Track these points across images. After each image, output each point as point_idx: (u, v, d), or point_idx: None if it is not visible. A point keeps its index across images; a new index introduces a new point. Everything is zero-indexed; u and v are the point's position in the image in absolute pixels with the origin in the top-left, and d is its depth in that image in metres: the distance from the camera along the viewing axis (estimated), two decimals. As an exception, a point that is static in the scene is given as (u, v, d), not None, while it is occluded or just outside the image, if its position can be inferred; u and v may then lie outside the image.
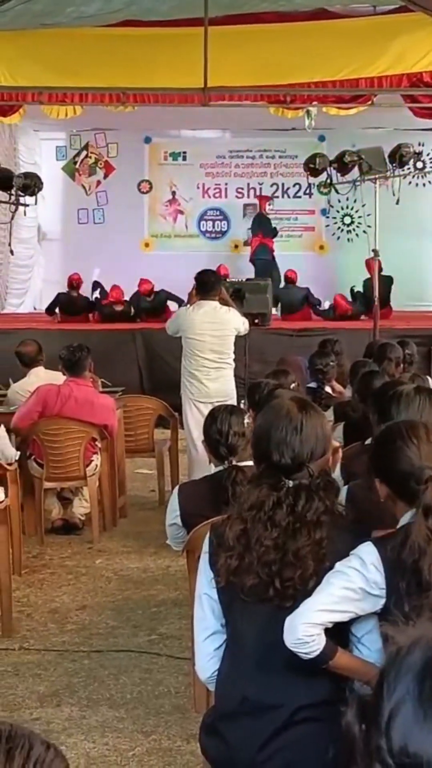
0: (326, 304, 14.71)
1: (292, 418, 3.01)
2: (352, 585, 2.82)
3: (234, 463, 4.51)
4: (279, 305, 14.16)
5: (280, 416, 3.03)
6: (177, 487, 4.90)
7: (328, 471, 3.16)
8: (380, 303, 11.82)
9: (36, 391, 7.77)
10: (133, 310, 14.19)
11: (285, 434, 2.98)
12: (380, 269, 11.83)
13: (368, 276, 13.22)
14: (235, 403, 8.27)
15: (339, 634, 2.86)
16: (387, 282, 13.82)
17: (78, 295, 14.80)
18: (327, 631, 2.80)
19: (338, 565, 2.86)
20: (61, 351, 8.03)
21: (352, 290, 14.93)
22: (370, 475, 3.23)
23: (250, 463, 3.35)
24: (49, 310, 14.83)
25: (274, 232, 15.87)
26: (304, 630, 2.77)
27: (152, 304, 14.11)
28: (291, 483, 2.98)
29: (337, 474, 4.62)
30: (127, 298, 14.46)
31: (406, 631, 1.26)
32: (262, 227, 15.79)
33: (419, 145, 13.99)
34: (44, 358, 8.45)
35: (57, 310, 14.63)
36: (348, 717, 1.21)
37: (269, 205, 16.16)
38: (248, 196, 17.08)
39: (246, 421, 4.76)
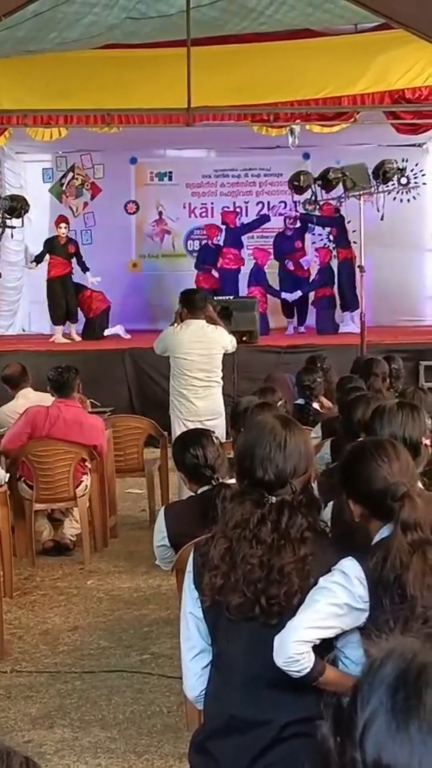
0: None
1: (276, 434, 3.04)
2: (337, 601, 2.84)
3: (220, 480, 4.55)
4: None
5: (263, 433, 3.06)
6: (162, 509, 4.93)
7: (310, 488, 3.19)
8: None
9: (25, 412, 7.79)
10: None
11: (269, 450, 3.01)
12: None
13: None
14: (224, 421, 8.32)
15: (323, 649, 2.88)
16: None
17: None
18: (313, 647, 2.82)
19: (322, 581, 2.87)
20: (49, 372, 8.05)
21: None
22: (341, 495, 3.25)
23: (233, 480, 3.38)
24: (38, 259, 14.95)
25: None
26: (295, 648, 2.78)
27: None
28: (274, 499, 3.00)
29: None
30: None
31: (379, 644, 1.28)
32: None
33: (403, 160, 14.05)
34: (30, 379, 8.48)
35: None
36: (323, 730, 1.23)
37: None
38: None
39: (214, 437, 4.83)
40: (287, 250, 15.67)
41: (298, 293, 15.20)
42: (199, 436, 4.82)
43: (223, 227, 15.85)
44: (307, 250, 16.16)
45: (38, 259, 14.87)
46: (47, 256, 14.81)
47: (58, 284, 14.76)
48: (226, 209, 16.52)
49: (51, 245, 14.85)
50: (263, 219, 16.28)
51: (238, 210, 16.63)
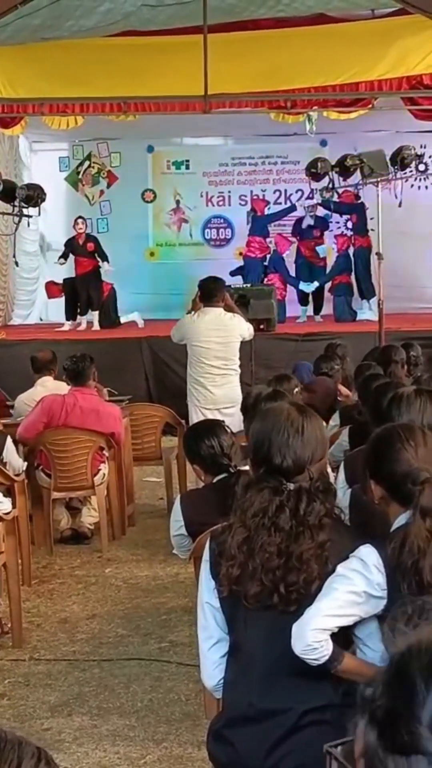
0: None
1: (293, 421, 3.03)
2: (355, 588, 2.82)
3: (238, 468, 4.54)
4: None
5: (280, 420, 3.05)
6: (178, 497, 4.93)
7: (326, 474, 3.18)
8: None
9: (41, 401, 7.79)
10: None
11: (287, 437, 3.00)
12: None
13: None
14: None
15: (341, 637, 2.86)
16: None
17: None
18: (331, 635, 2.81)
19: (340, 569, 2.86)
20: (64, 361, 8.05)
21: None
22: (365, 477, 3.24)
23: (247, 467, 3.37)
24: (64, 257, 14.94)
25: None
26: (313, 636, 2.77)
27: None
28: (292, 486, 2.99)
29: (341, 479, 4.64)
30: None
31: (406, 634, 1.25)
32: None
33: (421, 147, 13.95)
34: (55, 370, 8.46)
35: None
36: (362, 729, 1.19)
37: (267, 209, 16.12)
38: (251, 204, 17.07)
39: (225, 426, 4.84)
40: (306, 236, 15.60)
41: (316, 284, 15.14)
42: (212, 426, 4.84)
43: (250, 215, 15.81)
44: (325, 239, 16.07)
45: (64, 257, 14.85)
46: (71, 256, 14.80)
47: (79, 281, 14.71)
48: (256, 197, 16.47)
49: (71, 246, 14.83)
50: (290, 209, 16.21)
51: (268, 200, 16.52)
